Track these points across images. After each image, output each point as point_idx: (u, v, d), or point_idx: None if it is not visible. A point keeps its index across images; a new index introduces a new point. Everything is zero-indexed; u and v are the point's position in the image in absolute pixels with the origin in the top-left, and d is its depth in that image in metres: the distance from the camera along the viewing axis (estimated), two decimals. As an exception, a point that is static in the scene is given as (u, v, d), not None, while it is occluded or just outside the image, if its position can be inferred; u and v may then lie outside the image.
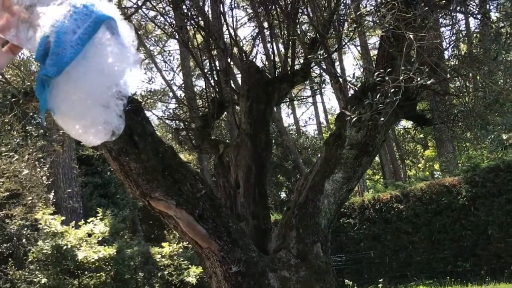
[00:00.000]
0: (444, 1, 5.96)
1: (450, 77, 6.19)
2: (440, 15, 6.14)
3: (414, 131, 7.88)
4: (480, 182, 13.59)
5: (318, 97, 33.76)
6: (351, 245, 15.59)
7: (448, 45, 6.51)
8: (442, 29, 6.76)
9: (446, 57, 6.71)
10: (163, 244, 14.53)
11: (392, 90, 3.98)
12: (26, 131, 6.97)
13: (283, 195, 26.00)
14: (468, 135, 7.88)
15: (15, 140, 6.45)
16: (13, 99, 5.16)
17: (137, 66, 0.99)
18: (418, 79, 3.92)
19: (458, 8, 6.07)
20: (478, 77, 6.51)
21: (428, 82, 3.96)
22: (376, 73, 4.15)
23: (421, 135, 25.01)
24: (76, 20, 0.89)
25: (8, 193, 6.34)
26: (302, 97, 24.41)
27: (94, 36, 0.91)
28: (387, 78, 3.98)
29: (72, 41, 0.88)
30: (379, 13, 4.33)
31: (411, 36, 4.04)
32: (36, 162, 6.80)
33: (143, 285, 13.49)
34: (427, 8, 4.39)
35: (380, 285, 14.29)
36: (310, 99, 31.56)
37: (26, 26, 0.92)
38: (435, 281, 13.92)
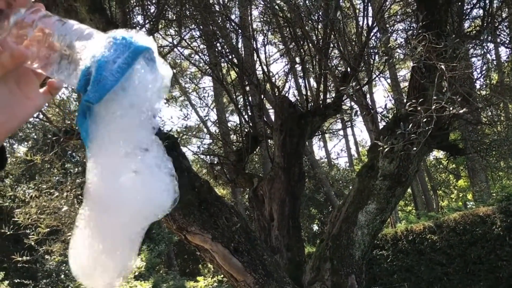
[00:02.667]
0: (474, 32, 5.99)
1: (482, 107, 6.19)
2: (471, 45, 6.16)
3: (447, 161, 7.82)
4: (515, 211, 13.35)
5: (349, 130, 33.71)
6: (385, 277, 15.28)
7: (479, 75, 6.52)
8: (473, 59, 6.78)
9: (478, 86, 6.70)
10: (198, 278, 14.51)
11: (424, 120, 4.01)
12: (65, 168, 7.11)
13: (315, 227, 25.74)
14: (502, 164, 7.80)
15: (55, 177, 6.61)
16: (54, 137, 5.28)
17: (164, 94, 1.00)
18: (451, 108, 3.95)
19: (489, 38, 6.08)
20: (510, 106, 6.49)
21: (461, 111, 3.98)
22: (408, 103, 4.19)
23: (453, 165, 24.68)
24: (116, 50, 0.91)
25: (48, 229, 6.44)
26: (333, 130, 24.38)
27: (133, 66, 0.92)
28: (419, 108, 4.01)
29: (112, 69, 0.90)
30: (410, 45, 4.39)
31: (442, 66, 4.08)
32: (75, 199, 6.92)
33: (179, 320, 13.45)
34: (458, 39, 4.44)
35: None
36: (341, 132, 31.51)
37: (66, 61, 0.95)
38: (472, 313, 13.61)
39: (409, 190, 24.95)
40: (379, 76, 7.85)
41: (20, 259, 6.85)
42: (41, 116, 5.83)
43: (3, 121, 0.97)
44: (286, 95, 7.47)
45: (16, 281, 16.74)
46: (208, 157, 8.91)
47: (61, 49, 0.95)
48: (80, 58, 0.94)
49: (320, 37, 6.69)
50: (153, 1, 6.79)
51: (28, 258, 7.01)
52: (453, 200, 29.00)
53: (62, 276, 15.89)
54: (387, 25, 7.26)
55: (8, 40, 0.93)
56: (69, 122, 5.48)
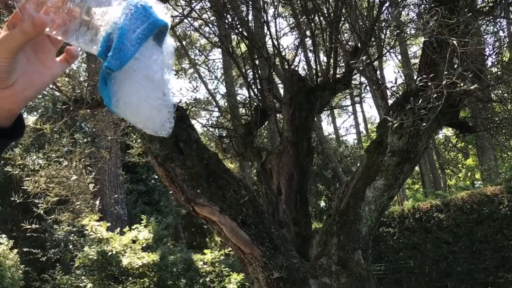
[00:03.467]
0: (487, 8, 5.91)
1: (493, 84, 6.12)
2: (483, 21, 6.08)
3: (456, 138, 7.79)
4: (522, 191, 13.33)
5: (358, 107, 33.65)
6: (391, 254, 15.35)
7: (491, 52, 6.44)
8: (485, 36, 6.70)
9: (489, 64, 6.63)
10: (205, 251, 14.58)
11: (435, 95, 3.98)
12: (74, 138, 7.14)
13: (322, 203, 25.86)
14: (511, 143, 7.75)
15: (64, 147, 6.64)
16: (64, 107, 5.28)
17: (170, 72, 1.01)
18: (462, 84, 3.91)
19: (502, 14, 6.00)
20: (521, 84, 6.42)
21: (472, 87, 3.94)
22: (419, 79, 4.15)
23: (462, 144, 24.58)
24: (137, 19, 0.92)
25: (57, 198, 6.49)
26: (343, 106, 24.31)
27: (149, 38, 0.94)
28: (429, 84, 3.97)
29: (132, 39, 0.91)
30: (422, 20, 4.34)
31: (454, 42, 4.03)
32: (84, 169, 6.95)
33: (185, 291, 13.58)
34: (470, 14, 4.38)
35: (420, 295, 14.10)
36: (351, 108, 31.45)
37: (86, 27, 0.95)
38: (476, 292, 13.68)
39: (417, 168, 24.95)
40: (389, 51, 7.78)
41: (29, 227, 6.92)
42: (51, 85, 5.84)
43: (22, 89, 0.98)
44: (296, 69, 7.42)
45: (25, 249, 17.01)
46: (216, 130, 8.92)
47: (81, 15, 0.95)
48: (100, 24, 0.95)
49: (331, 11, 6.64)
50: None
51: (36, 226, 7.07)
52: (461, 179, 28.97)
53: (70, 246, 16.07)
54: None
55: (27, 7, 0.92)
56: (79, 91, 5.47)
